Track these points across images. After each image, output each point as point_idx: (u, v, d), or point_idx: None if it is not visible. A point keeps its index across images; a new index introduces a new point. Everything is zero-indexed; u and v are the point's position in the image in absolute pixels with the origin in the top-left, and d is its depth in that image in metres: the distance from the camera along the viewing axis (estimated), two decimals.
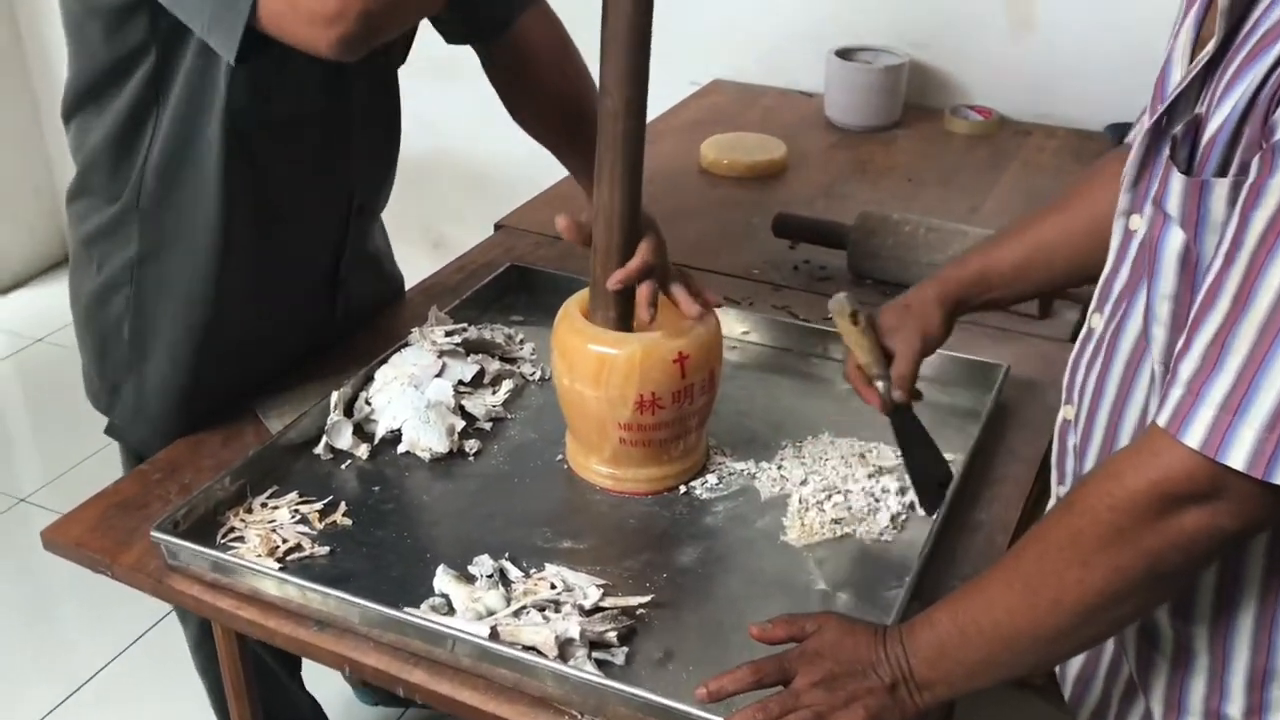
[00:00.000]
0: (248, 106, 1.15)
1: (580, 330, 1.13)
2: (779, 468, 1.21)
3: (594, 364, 1.12)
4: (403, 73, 1.39)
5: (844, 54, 2.13)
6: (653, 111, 1.43)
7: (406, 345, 1.34)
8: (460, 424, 1.23)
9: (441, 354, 1.30)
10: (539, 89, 1.36)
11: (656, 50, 1.10)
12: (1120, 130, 1.97)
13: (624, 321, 1.15)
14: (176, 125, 1.15)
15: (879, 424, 1.25)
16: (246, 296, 1.27)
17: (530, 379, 1.36)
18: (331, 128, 1.28)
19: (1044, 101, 2.13)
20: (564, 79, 1.36)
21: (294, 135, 1.23)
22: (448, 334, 1.33)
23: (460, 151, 2.85)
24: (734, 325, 1.44)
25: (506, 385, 1.32)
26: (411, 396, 1.23)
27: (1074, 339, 1.50)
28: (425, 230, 2.87)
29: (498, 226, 1.75)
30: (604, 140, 1.10)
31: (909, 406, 1.16)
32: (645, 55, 1.08)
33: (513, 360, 1.38)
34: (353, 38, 0.97)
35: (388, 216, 1.52)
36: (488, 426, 1.27)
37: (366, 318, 1.47)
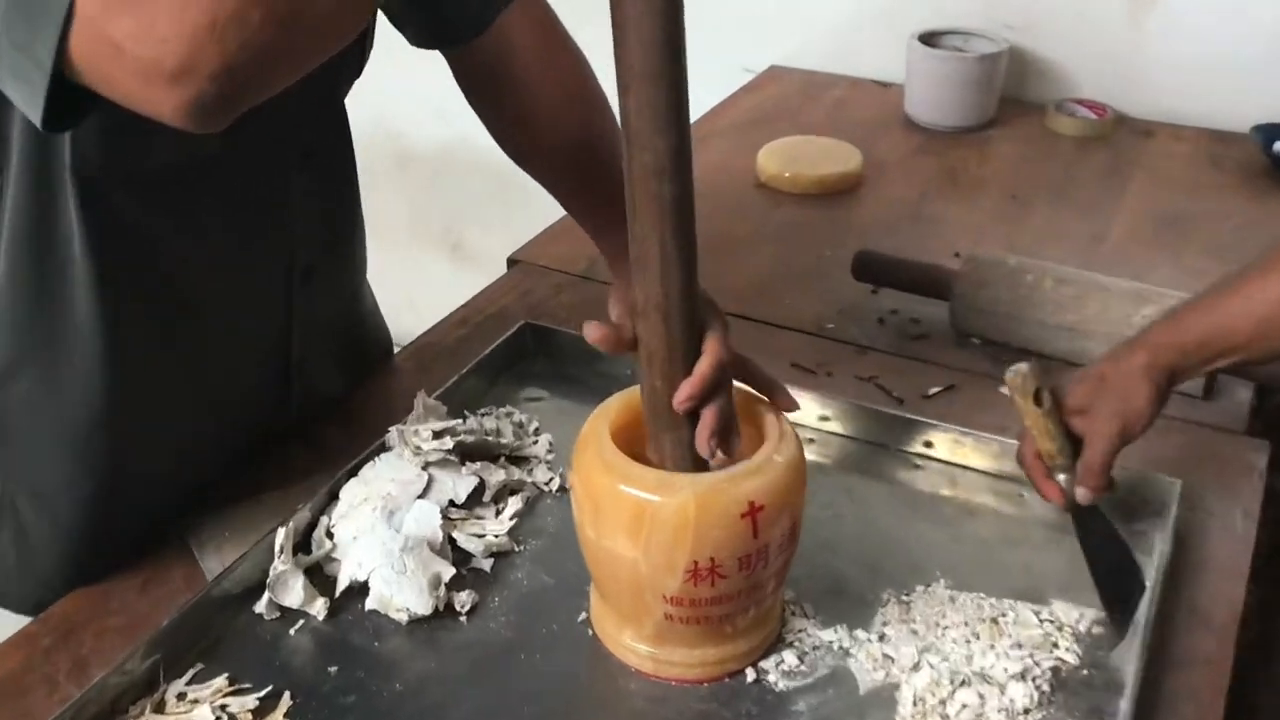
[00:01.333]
0: (106, 159, 0.82)
1: (610, 464, 0.81)
2: (880, 638, 0.88)
3: (629, 514, 0.80)
4: (409, 54, 1.07)
5: (928, 39, 1.78)
6: (696, 108, 1.10)
7: (384, 447, 1.03)
8: (449, 572, 0.92)
9: (427, 464, 0.99)
10: (533, 110, 1.04)
11: (701, 31, 0.84)
12: (1270, 133, 1.61)
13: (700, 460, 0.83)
14: (22, 195, 0.82)
15: (1011, 565, 0.94)
16: (157, 410, 0.95)
17: (545, 489, 1.04)
18: (252, 176, 0.95)
19: (1169, 95, 1.77)
20: (566, 97, 1.04)
21: (189, 191, 0.90)
22: (436, 435, 1.01)
23: (481, 142, 2.52)
24: (809, 407, 1.11)
25: (514, 503, 1.00)
26: (384, 535, 0.92)
27: (1251, 431, 1.18)
28: (445, 231, 2.55)
29: (511, 262, 1.43)
30: (643, 208, 0.77)
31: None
32: (683, 88, 0.75)
33: (522, 461, 1.07)
34: (208, 102, 0.63)
35: (400, 218, 1.19)
36: (487, 566, 0.96)
37: (338, 397, 1.16)
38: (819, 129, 1.74)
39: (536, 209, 2.76)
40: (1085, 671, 0.86)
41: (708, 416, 0.81)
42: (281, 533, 0.92)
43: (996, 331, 1.22)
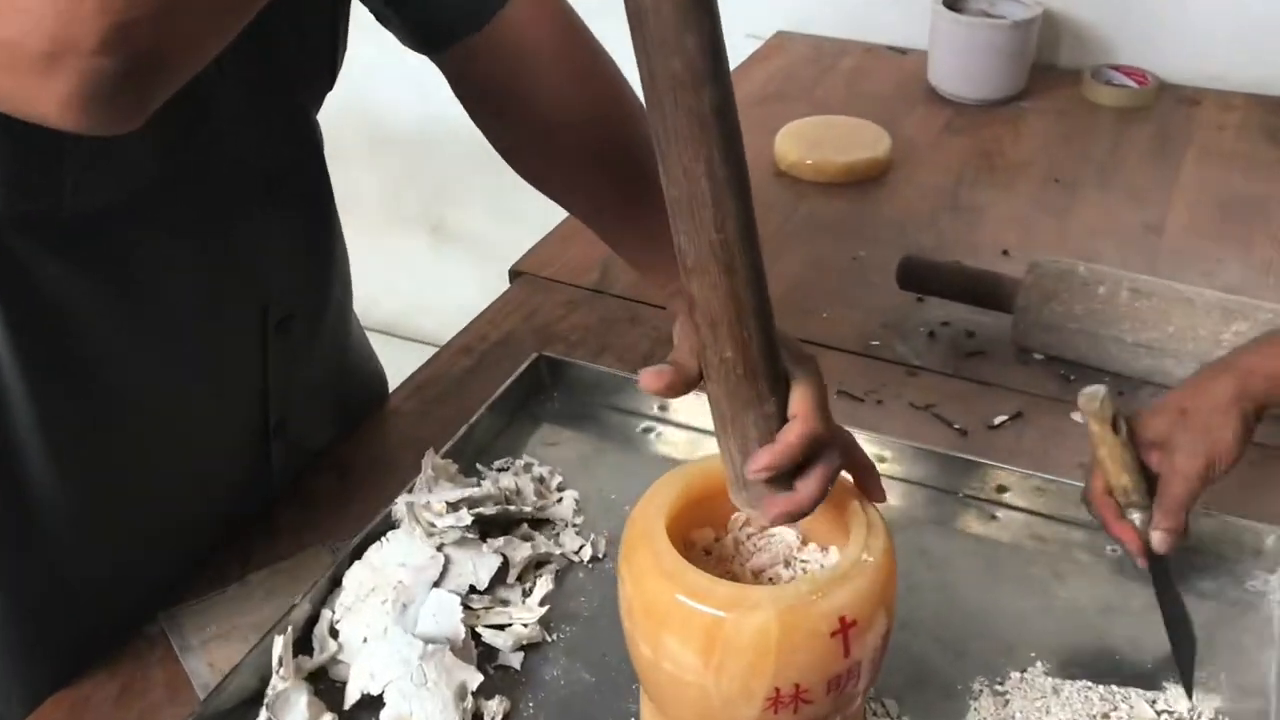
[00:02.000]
0: (6, 204, 0.64)
1: (671, 572, 0.68)
2: None
3: (697, 635, 0.67)
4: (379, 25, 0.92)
5: (953, 3, 1.64)
6: None
7: (390, 521, 0.90)
8: (475, 679, 0.79)
9: (442, 544, 0.86)
10: (550, 123, 0.88)
11: None
12: None
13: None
14: None
15: (1114, 640, 0.83)
16: (115, 499, 0.81)
17: (575, 559, 0.92)
18: (206, 215, 0.79)
19: (1215, 59, 1.63)
20: (592, 104, 0.88)
21: (125, 242, 0.74)
22: (451, 507, 0.88)
23: (460, 120, 2.36)
24: (862, 446, 0.98)
25: (543, 584, 0.88)
26: (399, 640, 0.79)
27: None
28: (423, 213, 2.40)
29: (514, 274, 1.29)
30: (678, 132, 0.60)
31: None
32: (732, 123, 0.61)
33: (546, 524, 0.94)
34: (102, 89, 0.48)
35: (374, 198, 1.04)
36: (516, 663, 0.83)
37: (328, 448, 1.02)
38: (837, 105, 1.60)
39: (522, 185, 2.60)
40: None
41: (811, 488, 0.68)
42: (279, 642, 0.79)
43: (1065, 348, 1.10)
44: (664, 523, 0.71)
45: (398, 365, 1.17)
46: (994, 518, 0.95)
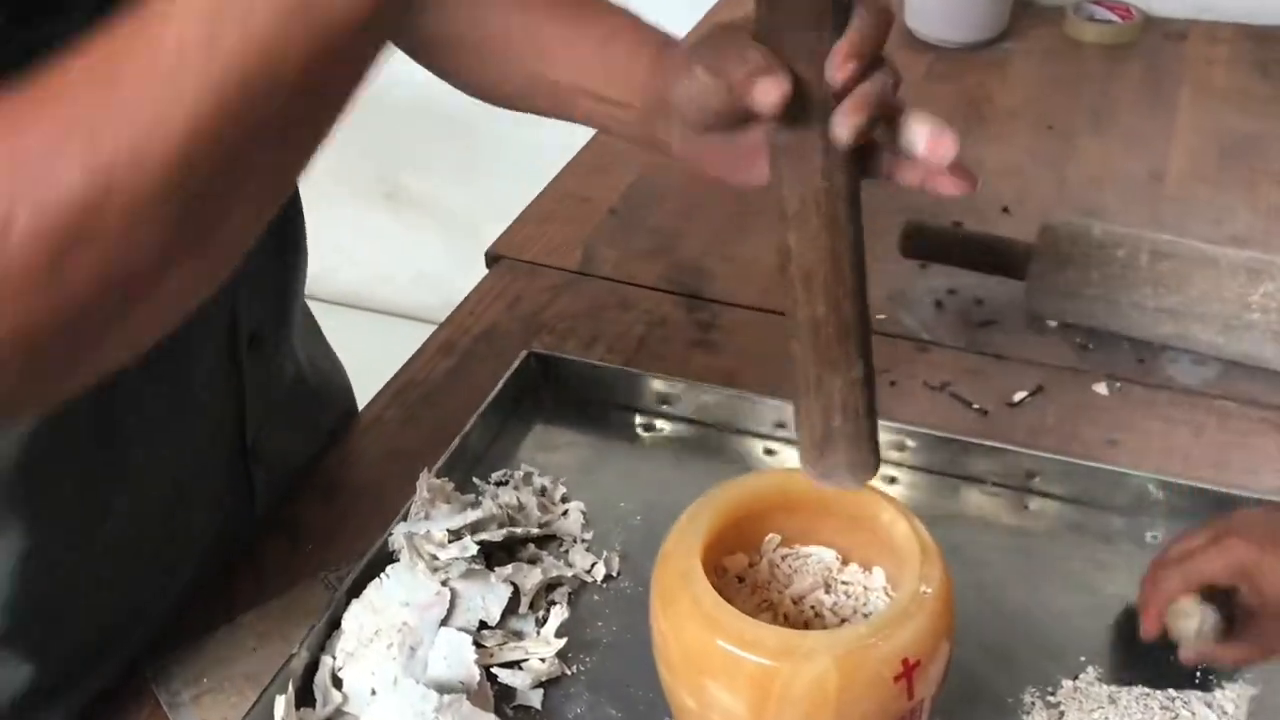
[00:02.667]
0: None
1: (715, 618, 0.62)
2: None
3: (748, 687, 0.61)
4: None
5: None
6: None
7: (387, 553, 0.83)
8: None
9: (447, 579, 0.79)
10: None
11: None
12: None
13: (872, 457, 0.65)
14: None
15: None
16: (91, 541, 0.74)
17: (589, 579, 0.85)
18: None
19: None
20: None
21: None
22: (453, 535, 0.81)
23: (412, 81, 2.25)
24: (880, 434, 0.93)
25: (557, 612, 0.81)
26: (410, 692, 0.72)
27: None
28: (377, 178, 2.29)
29: (492, 259, 1.21)
30: (806, 187, 0.62)
31: None
32: None
33: (552, 541, 0.87)
34: None
35: (324, 168, 0.96)
36: (537, 702, 0.77)
37: (306, 469, 0.95)
38: None
39: (481, 145, 2.49)
40: None
41: (857, 97, 0.61)
42: (280, 704, 0.72)
43: (1082, 315, 1.04)
44: (699, 560, 0.65)
45: (362, 340, 1.10)
46: (1026, 507, 0.90)
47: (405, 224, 2.32)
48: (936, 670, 0.63)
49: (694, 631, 0.62)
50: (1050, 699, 0.76)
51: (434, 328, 1.10)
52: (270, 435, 0.88)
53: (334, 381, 1.02)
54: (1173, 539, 0.74)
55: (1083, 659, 0.78)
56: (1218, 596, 0.67)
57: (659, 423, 0.99)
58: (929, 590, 0.63)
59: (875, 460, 0.65)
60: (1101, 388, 1.01)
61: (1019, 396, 1.00)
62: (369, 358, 1.14)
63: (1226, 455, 0.94)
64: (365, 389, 1.06)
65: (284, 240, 0.87)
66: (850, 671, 0.60)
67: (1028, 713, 0.75)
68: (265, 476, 0.89)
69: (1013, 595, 0.83)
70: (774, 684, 0.60)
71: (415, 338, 1.10)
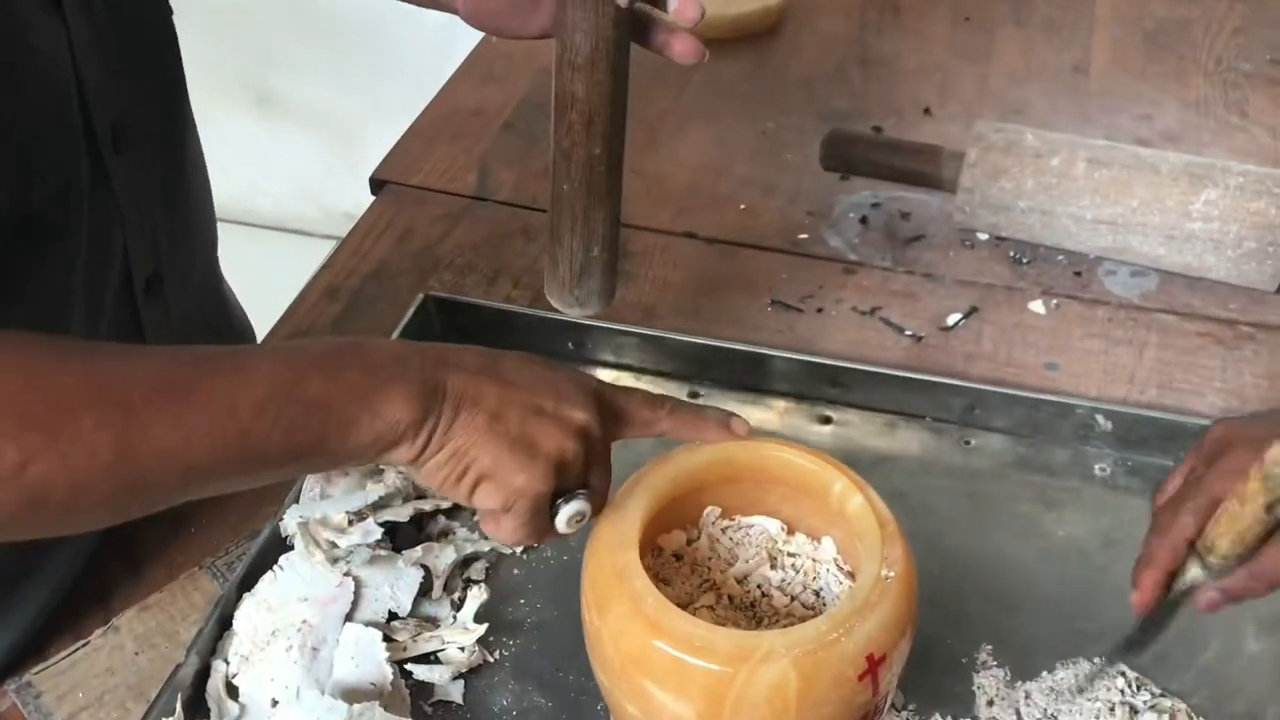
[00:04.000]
0: None
1: (659, 622, 0.55)
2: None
3: (700, 694, 0.55)
4: None
5: None
6: None
7: (280, 540, 0.74)
8: None
9: (349, 569, 0.71)
10: None
11: None
12: None
13: None
14: None
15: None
16: None
17: (506, 551, 0.78)
18: (46, 177, 0.63)
19: None
20: None
21: None
22: (353, 517, 0.72)
23: None
24: (815, 372, 0.86)
25: (476, 593, 0.74)
26: (315, 704, 0.65)
27: None
28: (244, 85, 2.12)
29: (377, 184, 1.09)
30: (599, 35, 0.66)
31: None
32: None
33: (464, 512, 0.79)
34: None
35: (189, 73, 0.86)
36: (458, 695, 0.70)
37: None
38: None
39: (355, 47, 2.32)
40: None
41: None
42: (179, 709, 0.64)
43: (1016, 229, 0.99)
44: (636, 551, 0.58)
45: (240, 257, 1.01)
46: (968, 443, 0.85)
47: (279, 132, 2.16)
48: (902, 658, 0.58)
49: (635, 635, 0.56)
50: (1004, 658, 0.71)
51: (316, 241, 1.00)
52: None
53: (239, 326, 0.93)
54: (1162, 485, 0.68)
55: (1037, 609, 0.74)
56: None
57: (575, 367, 0.91)
58: (892, 574, 0.57)
59: (614, 288, 0.78)
60: (1038, 306, 0.95)
61: (953, 320, 0.94)
62: (249, 276, 1.04)
63: (1170, 375, 0.89)
64: (251, 311, 0.97)
65: (179, 189, 0.78)
66: (811, 673, 0.53)
67: (979, 671, 0.71)
68: None
69: (963, 545, 0.78)
70: (728, 690, 0.54)
71: (297, 252, 1.00)
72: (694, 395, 0.89)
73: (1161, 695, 0.69)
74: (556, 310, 0.91)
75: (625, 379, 0.90)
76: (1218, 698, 0.69)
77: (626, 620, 0.56)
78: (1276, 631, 0.73)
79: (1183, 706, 0.69)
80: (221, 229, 1.01)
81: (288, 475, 0.56)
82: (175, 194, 0.78)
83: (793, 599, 0.64)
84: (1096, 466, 0.83)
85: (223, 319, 0.92)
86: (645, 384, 0.89)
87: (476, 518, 0.78)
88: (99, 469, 0.49)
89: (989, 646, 0.72)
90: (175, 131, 0.78)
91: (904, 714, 0.69)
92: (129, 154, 0.70)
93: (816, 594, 0.64)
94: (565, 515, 0.58)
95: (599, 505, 0.60)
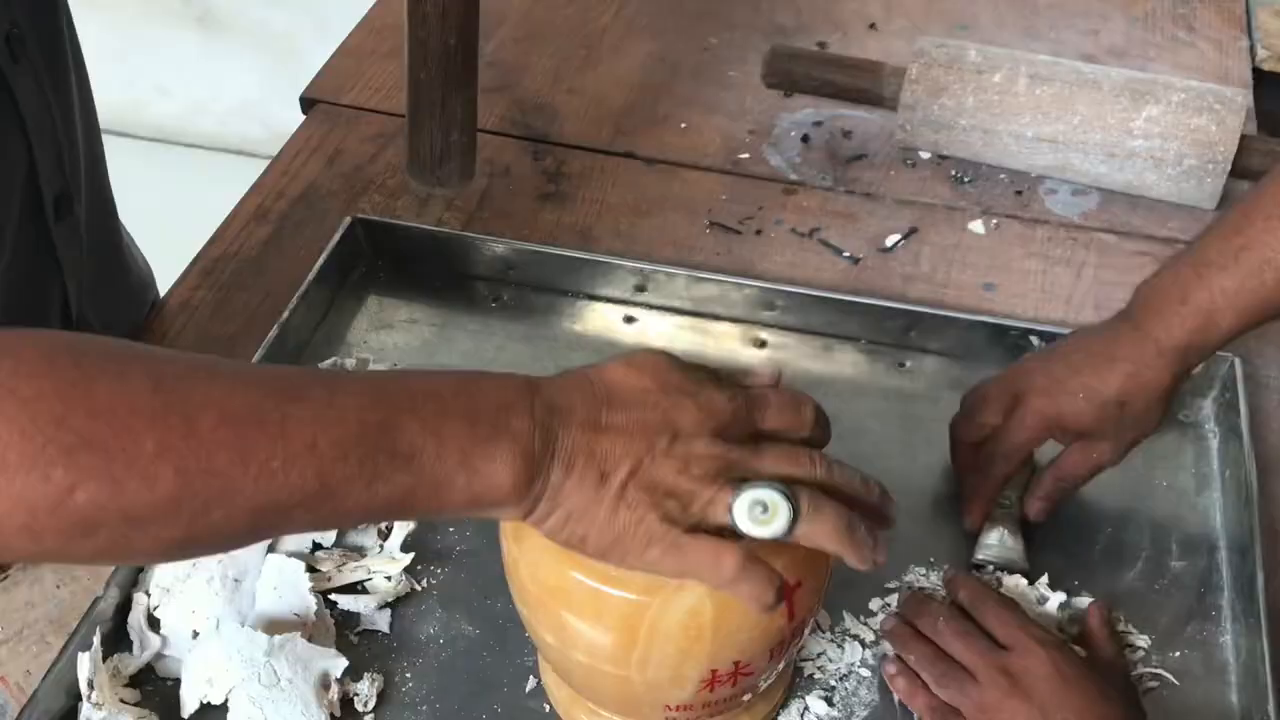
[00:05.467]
0: None
1: (574, 554, 0.55)
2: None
3: (615, 625, 0.54)
4: None
5: None
6: None
7: None
8: (339, 665, 0.65)
9: None
10: None
11: None
12: None
13: None
14: None
15: None
16: None
17: None
18: None
19: None
20: None
21: None
22: None
23: None
24: (748, 294, 0.85)
25: (402, 523, 0.73)
26: (236, 637, 0.64)
27: None
28: (184, 2, 2.05)
29: (308, 103, 1.06)
30: None
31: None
32: None
33: None
34: None
35: None
36: (384, 624, 0.70)
37: None
38: None
39: None
40: (1178, 653, 0.69)
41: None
42: (85, 661, 0.63)
43: (958, 147, 0.97)
44: None
45: (183, 178, 0.98)
46: (903, 365, 0.85)
47: (219, 50, 2.10)
48: (819, 585, 0.57)
49: (550, 565, 0.55)
50: (934, 578, 0.72)
51: (260, 162, 0.98)
52: (94, 316, 0.80)
53: (140, 266, 0.91)
54: (965, 410, 0.75)
55: (964, 530, 0.74)
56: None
57: (508, 292, 0.89)
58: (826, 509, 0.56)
59: (474, 168, 0.84)
60: (978, 226, 0.94)
61: (891, 241, 0.93)
62: (191, 197, 1.01)
63: (1107, 295, 0.89)
64: (196, 233, 0.94)
65: (72, 101, 0.75)
66: (725, 601, 0.53)
67: (909, 591, 0.71)
68: None
69: (894, 467, 0.77)
70: (643, 619, 0.53)
71: (241, 172, 0.98)
72: (630, 320, 0.88)
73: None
74: (490, 235, 0.90)
75: (561, 303, 0.88)
76: (1141, 614, 0.70)
77: (543, 550, 0.55)
78: (1198, 551, 0.74)
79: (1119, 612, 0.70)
80: (164, 150, 0.98)
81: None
82: (70, 105, 0.75)
83: (717, 530, 0.63)
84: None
85: (123, 256, 0.88)
86: (581, 307, 0.88)
87: None
88: (157, 502, 0.43)
89: (919, 568, 0.72)
90: (61, 39, 0.74)
91: (829, 635, 0.69)
92: (25, 63, 0.67)
93: None
94: (741, 512, 0.50)
95: (809, 478, 0.53)
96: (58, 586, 0.72)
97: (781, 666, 0.61)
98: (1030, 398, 0.71)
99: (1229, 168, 0.91)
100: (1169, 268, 0.70)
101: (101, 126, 0.82)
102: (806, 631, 0.60)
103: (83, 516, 0.43)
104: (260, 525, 0.47)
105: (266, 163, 0.99)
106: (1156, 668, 0.68)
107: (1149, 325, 0.69)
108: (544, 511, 0.50)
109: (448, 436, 0.47)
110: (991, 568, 0.72)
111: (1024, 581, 0.71)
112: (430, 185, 0.83)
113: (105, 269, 0.83)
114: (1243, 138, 0.91)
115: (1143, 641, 0.69)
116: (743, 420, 0.53)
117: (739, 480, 0.51)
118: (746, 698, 0.61)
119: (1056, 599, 0.70)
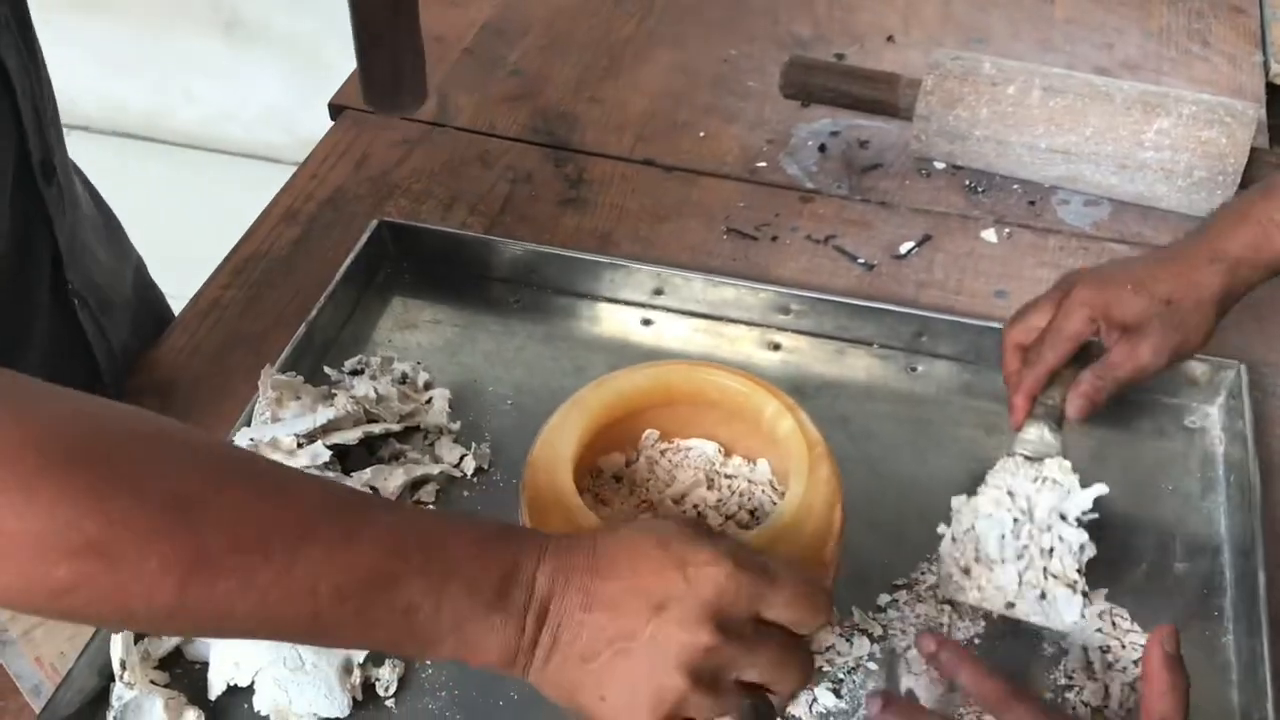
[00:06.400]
0: None
1: None
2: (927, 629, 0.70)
3: None
4: None
5: None
6: None
7: None
8: (361, 652, 0.68)
9: None
10: None
11: None
12: None
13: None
14: None
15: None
16: None
17: (458, 474, 0.79)
18: None
19: None
20: None
21: None
22: (303, 439, 0.74)
23: None
24: (763, 297, 0.87)
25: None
26: None
27: None
28: (213, 9, 2.09)
29: (336, 109, 1.09)
30: None
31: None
32: None
33: (416, 435, 0.81)
34: None
35: None
36: None
37: (142, 354, 0.87)
38: None
39: None
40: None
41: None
42: (117, 642, 0.65)
43: (972, 158, 0.99)
44: (570, 472, 0.59)
45: (208, 184, 1.01)
46: (914, 369, 0.86)
47: (247, 57, 2.13)
48: (830, 573, 0.59)
49: None
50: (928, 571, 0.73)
51: (286, 169, 1.01)
52: (86, 273, 0.83)
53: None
54: (1018, 313, 0.77)
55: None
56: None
57: (528, 294, 0.91)
58: (822, 494, 0.58)
59: (425, 91, 0.84)
60: (990, 234, 0.96)
61: (905, 248, 0.95)
62: (218, 203, 1.04)
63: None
64: (220, 237, 0.97)
65: (42, 73, 0.78)
66: None
67: (914, 587, 0.73)
68: (93, 326, 0.83)
69: (903, 468, 0.80)
70: None
71: (267, 179, 1.01)
72: (647, 323, 0.90)
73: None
74: (512, 238, 0.92)
75: (580, 306, 0.91)
76: (1144, 614, 0.72)
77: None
78: (1202, 553, 0.75)
79: (1123, 611, 0.71)
80: (191, 156, 1.01)
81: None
82: (42, 74, 0.77)
83: (728, 519, 0.65)
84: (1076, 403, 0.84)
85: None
86: (599, 310, 0.90)
87: (429, 441, 0.80)
88: (153, 611, 0.45)
89: (927, 566, 0.74)
90: (25, 4, 0.77)
91: (838, 630, 0.71)
92: (7, 33, 0.70)
93: (751, 514, 0.65)
94: None
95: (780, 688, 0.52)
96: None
97: None
98: (1079, 289, 0.73)
99: (1239, 180, 0.92)
100: (1239, 195, 0.76)
101: (129, 131, 0.85)
102: None
103: (77, 609, 0.45)
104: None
105: (291, 169, 1.02)
106: None
107: (1208, 234, 0.73)
108: (535, 680, 0.52)
109: (445, 601, 0.48)
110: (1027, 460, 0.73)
111: (1067, 464, 0.72)
112: (385, 109, 0.89)
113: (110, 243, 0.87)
114: (1253, 150, 0.92)
115: (1146, 641, 0.70)
116: (744, 600, 0.50)
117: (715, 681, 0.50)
118: None
119: (1089, 493, 0.71)
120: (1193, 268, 0.72)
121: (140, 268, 0.95)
